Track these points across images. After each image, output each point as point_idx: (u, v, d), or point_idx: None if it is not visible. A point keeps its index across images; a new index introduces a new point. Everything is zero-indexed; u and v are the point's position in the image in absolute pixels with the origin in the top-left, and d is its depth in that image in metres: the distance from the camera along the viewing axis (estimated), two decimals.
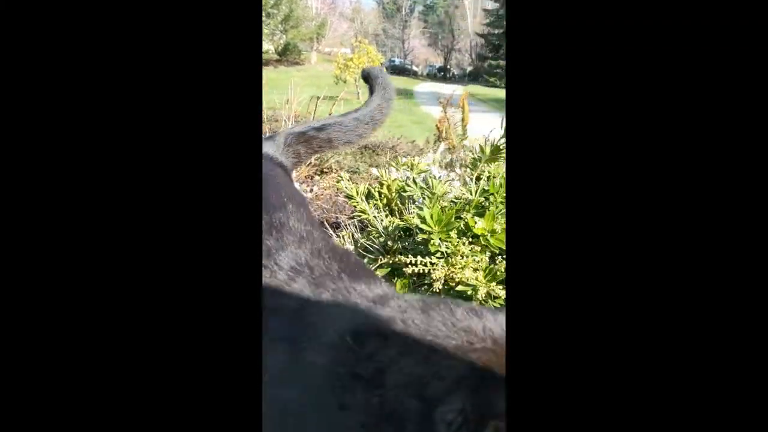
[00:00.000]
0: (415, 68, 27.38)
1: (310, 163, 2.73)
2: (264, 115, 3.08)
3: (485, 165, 1.28)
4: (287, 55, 20.44)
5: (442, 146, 2.46)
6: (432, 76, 25.75)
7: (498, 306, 1.00)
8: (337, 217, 2.03)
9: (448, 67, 27.11)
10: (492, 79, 18.26)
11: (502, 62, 17.78)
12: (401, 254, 1.12)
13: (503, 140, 1.25)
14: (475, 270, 0.99)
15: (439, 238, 1.03)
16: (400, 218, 1.31)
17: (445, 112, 3.21)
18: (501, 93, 15.42)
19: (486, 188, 1.13)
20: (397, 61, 26.95)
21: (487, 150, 1.27)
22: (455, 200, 1.14)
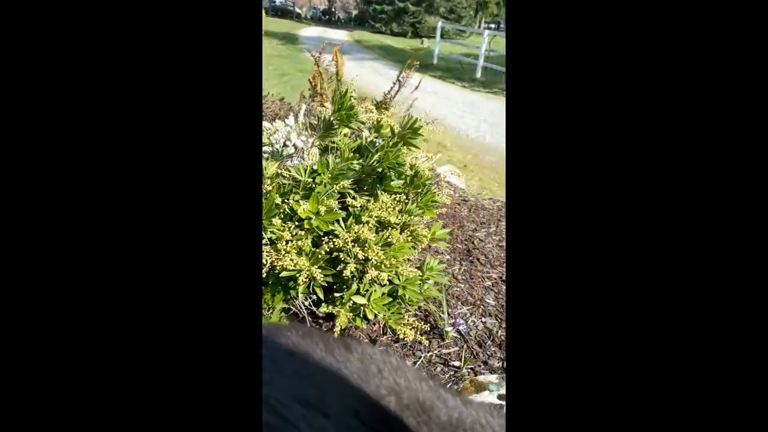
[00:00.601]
0: (298, 10, 25.61)
1: None
2: None
3: (321, 140, 1.27)
4: None
5: (305, 107, 2.38)
6: (317, 20, 24.40)
7: (321, 285, 1.04)
8: None
9: (333, 10, 25.87)
10: (377, 25, 17.92)
11: (387, 7, 17.47)
12: None
13: (335, 116, 1.25)
14: (299, 254, 1.01)
15: (263, 224, 1.01)
16: None
17: (318, 66, 3.08)
18: (387, 39, 15.27)
19: (315, 168, 1.13)
20: (278, 1, 24.89)
21: (325, 118, 1.26)
22: (284, 183, 1.13)
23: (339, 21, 24.64)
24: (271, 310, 1.10)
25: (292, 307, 1.15)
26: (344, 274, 1.00)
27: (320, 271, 0.98)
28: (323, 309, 1.11)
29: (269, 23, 15.18)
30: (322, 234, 1.06)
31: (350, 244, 1.02)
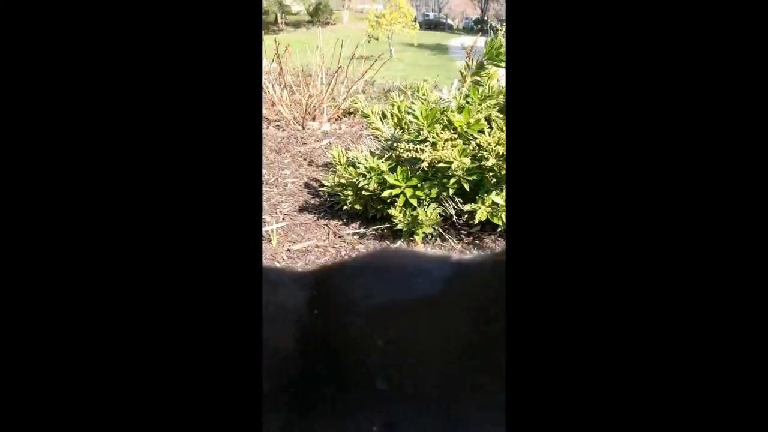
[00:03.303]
0: (450, 22, 26.50)
1: (338, 106, 3.07)
2: (300, 73, 3.36)
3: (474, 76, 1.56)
4: (319, 15, 20.54)
5: (456, 82, 2.76)
6: (468, 30, 24.88)
7: (467, 180, 1.32)
8: (360, 150, 2.38)
9: (486, 18, 25.98)
10: None
11: None
12: (401, 148, 1.45)
13: (485, 57, 1.52)
14: (453, 147, 1.31)
15: (427, 131, 1.35)
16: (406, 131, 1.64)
17: (469, 57, 3.44)
18: None
19: (467, 93, 1.43)
20: (431, 15, 26.15)
21: (473, 65, 1.56)
22: (439, 102, 1.45)
23: (491, 29, 24.53)
24: (428, 203, 1.42)
25: (443, 202, 1.46)
26: (484, 165, 1.27)
27: (467, 160, 1.26)
28: (467, 207, 1.39)
29: (422, 36, 16.21)
30: (469, 138, 1.35)
31: (492, 145, 1.28)
